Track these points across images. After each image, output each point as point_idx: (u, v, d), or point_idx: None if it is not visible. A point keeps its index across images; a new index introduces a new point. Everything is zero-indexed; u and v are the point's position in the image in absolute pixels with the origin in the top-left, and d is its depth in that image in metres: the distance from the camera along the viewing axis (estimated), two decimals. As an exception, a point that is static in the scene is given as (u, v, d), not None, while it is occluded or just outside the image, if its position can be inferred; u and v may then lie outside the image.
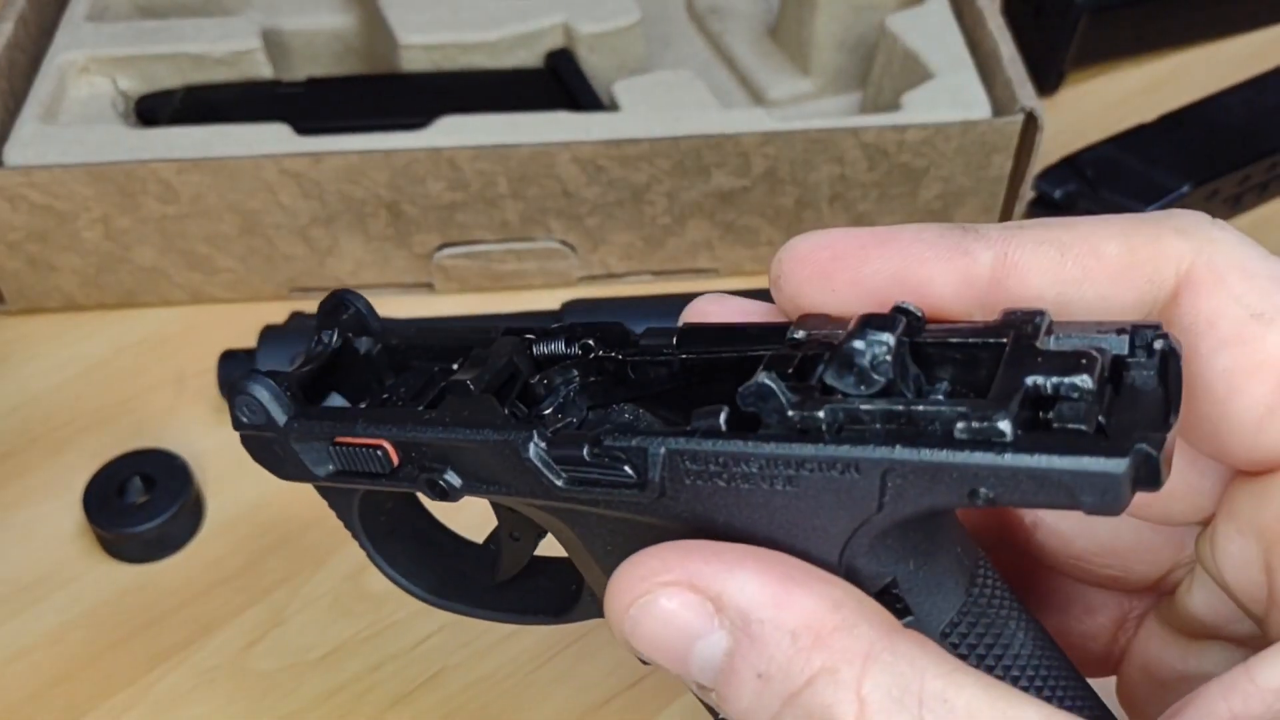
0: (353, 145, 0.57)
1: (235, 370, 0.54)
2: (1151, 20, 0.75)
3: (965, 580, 0.27)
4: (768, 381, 0.24)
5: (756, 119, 0.59)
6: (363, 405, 0.32)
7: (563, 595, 0.34)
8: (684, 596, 0.24)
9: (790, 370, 0.24)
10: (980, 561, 0.28)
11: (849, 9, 0.67)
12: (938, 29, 0.64)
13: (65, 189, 0.56)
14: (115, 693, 0.48)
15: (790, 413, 0.23)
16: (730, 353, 0.28)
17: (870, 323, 0.24)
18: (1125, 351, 0.23)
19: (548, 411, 0.29)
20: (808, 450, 0.23)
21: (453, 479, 0.28)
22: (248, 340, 0.55)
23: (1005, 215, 0.62)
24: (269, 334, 0.54)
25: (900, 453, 0.22)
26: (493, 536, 0.35)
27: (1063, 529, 0.31)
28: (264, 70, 0.64)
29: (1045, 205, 0.65)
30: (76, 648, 0.49)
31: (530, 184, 0.58)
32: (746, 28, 0.72)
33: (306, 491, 0.54)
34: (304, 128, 0.58)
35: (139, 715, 0.47)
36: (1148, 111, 0.68)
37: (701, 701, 0.27)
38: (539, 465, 0.26)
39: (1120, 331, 0.23)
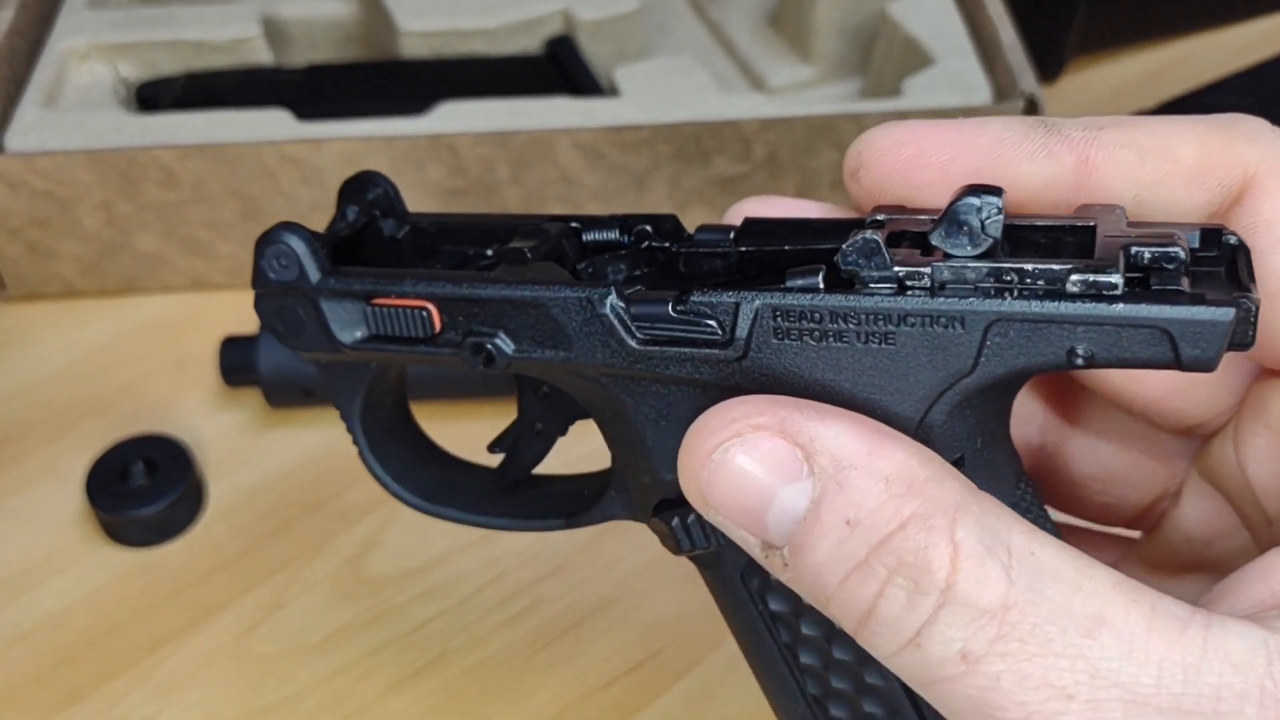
0: (353, 131, 0.57)
1: (237, 356, 0.54)
2: (1152, 7, 0.75)
3: (1014, 477, 0.27)
4: (874, 236, 0.24)
5: (757, 105, 0.59)
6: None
7: (573, 500, 0.32)
8: (774, 441, 0.24)
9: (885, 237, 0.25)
10: (1021, 467, 0.28)
11: (849, -4, 0.67)
12: (939, 15, 0.64)
13: (66, 175, 0.56)
14: (117, 676, 0.48)
15: (896, 268, 0.24)
16: (794, 246, 0.27)
17: (977, 188, 0.24)
18: (1197, 245, 0.24)
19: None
20: (913, 304, 0.24)
21: (504, 343, 0.27)
22: (249, 326, 0.55)
23: (1005, 202, 0.62)
24: (269, 319, 0.54)
25: (1010, 305, 0.23)
26: (502, 439, 0.33)
27: (1069, 448, 0.32)
28: (264, 57, 0.65)
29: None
30: (78, 631, 0.49)
31: (530, 170, 0.58)
32: (746, 14, 0.72)
33: (306, 477, 0.54)
34: (304, 113, 0.58)
35: (140, 698, 0.47)
36: (1148, 98, 0.68)
37: (745, 579, 0.28)
38: (615, 322, 0.26)
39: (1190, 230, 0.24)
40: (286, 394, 0.54)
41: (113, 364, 0.59)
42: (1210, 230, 0.24)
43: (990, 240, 0.23)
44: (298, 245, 0.28)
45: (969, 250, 0.24)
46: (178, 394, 0.57)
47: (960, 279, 0.24)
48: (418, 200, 0.58)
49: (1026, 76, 0.58)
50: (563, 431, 0.31)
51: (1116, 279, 0.22)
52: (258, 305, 0.29)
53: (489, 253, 0.30)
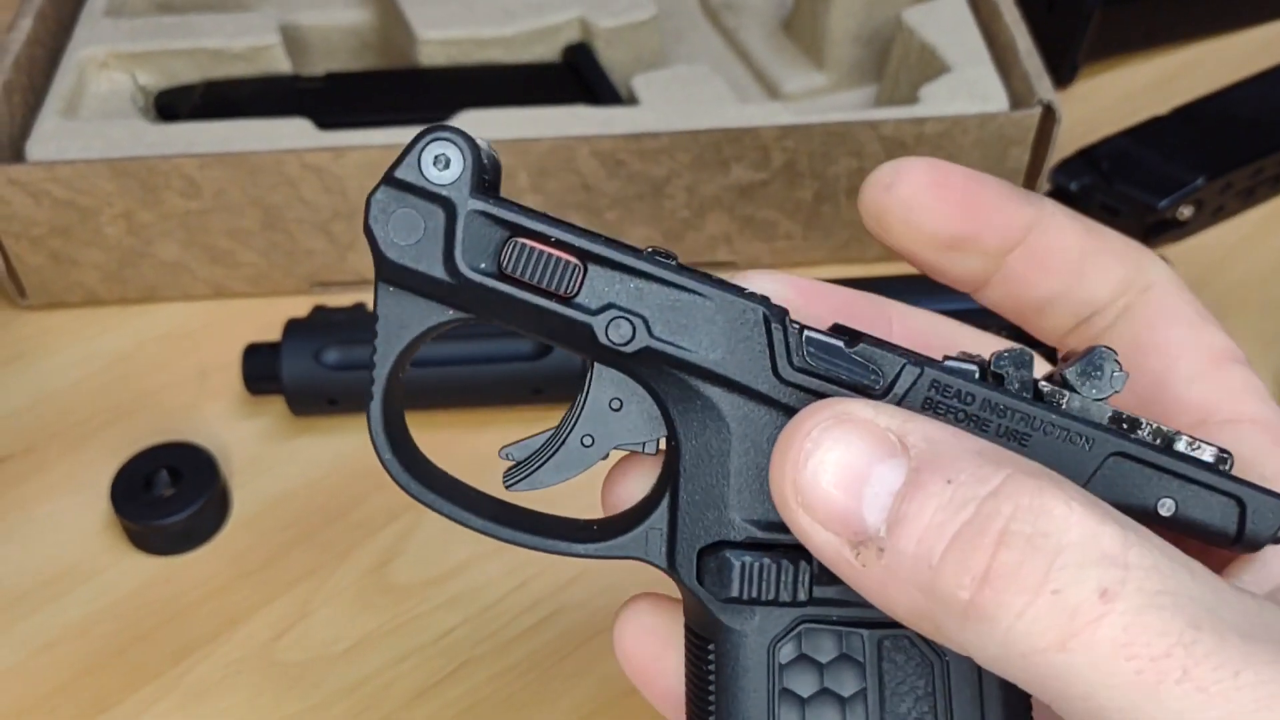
0: (373, 140, 0.57)
1: (260, 364, 0.54)
2: (1164, 13, 0.75)
3: None
4: (1029, 351, 0.27)
5: (775, 113, 0.59)
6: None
7: (613, 522, 0.31)
8: (871, 425, 0.25)
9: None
10: None
11: (864, 3, 0.67)
12: (954, 22, 0.64)
13: (87, 184, 0.57)
14: (143, 685, 0.48)
15: (1041, 384, 0.27)
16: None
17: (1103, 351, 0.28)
18: None
19: None
20: (1056, 415, 0.27)
21: (655, 323, 0.27)
22: (270, 334, 0.56)
23: (1021, 208, 0.62)
24: (293, 327, 0.54)
25: (1134, 445, 0.27)
26: (521, 445, 0.30)
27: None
28: (282, 65, 0.65)
29: (1061, 197, 0.65)
30: (104, 640, 0.50)
31: (550, 177, 0.58)
32: (760, 22, 0.72)
33: (330, 485, 0.55)
34: (324, 122, 0.58)
35: (167, 707, 0.48)
36: (1161, 104, 0.68)
37: (773, 648, 0.28)
38: (780, 340, 0.27)
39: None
40: (309, 402, 0.54)
41: (135, 372, 0.59)
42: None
43: (1113, 391, 0.27)
44: (468, 152, 0.26)
45: (1094, 394, 0.27)
46: (200, 402, 0.58)
47: (1086, 412, 0.27)
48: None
49: (1043, 83, 0.59)
50: (604, 455, 0.30)
51: (1211, 452, 0.27)
52: (377, 196, 0.27)
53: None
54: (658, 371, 0.28)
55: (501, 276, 0.27)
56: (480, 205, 0.27)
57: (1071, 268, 0.31)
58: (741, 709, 0.28)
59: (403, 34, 0.65)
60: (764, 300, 0.27)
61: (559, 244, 0.27)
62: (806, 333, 0.27)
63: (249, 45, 0.64)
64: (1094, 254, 0.31)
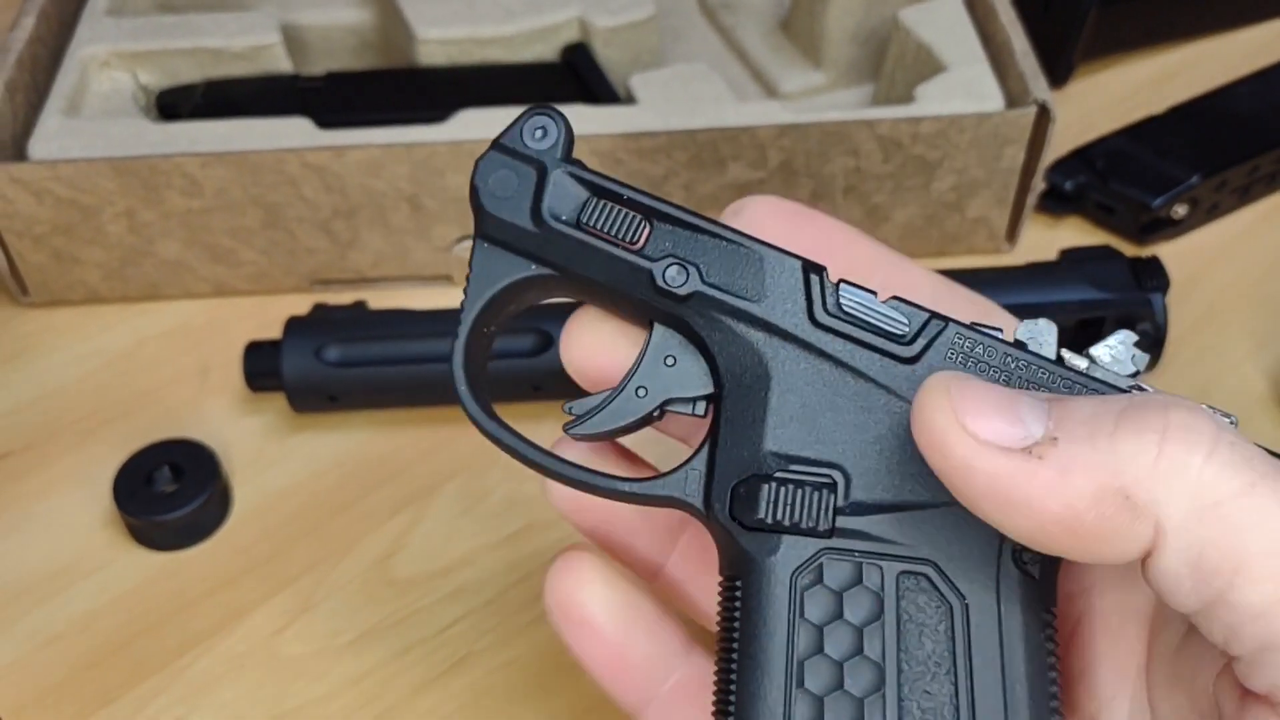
0: (374, 139, 0.57)
1: (261, 362, 0.55)
2: (1160, 12, 0.75)
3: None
4: (1050, 322, 0.30)
5: (772, 112, 0.60)
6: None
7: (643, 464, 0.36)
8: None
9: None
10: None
11: (860, 2, 0.67)
12: (950, 22, 0.64)
13: (89, 183, 0.57)
14: (145, 678, 0.49)
15: (1062, 351, 0.29)
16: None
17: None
18: None
19: None
20: (1072, 373, 0.29)
21: (708, 272, 0.31)
22: (271, 332, 0.56)
23: (1018, 207, 0.62)
24: (294, 325, 0.54)
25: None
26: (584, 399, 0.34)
27: None
28: (283, 65, 0.65)
29: (1056, 197, 0.66)
30: (106, 634, 0.50)
31: (549, 176, 0.59)
32: (758, 21, 0.73)
33: (332, 480, 0.55)
34: (325, 121, 0.58)
35: (169, 700, 0.48)
36: (1157, 103, 0.69)
37: (795, 576, 0.29)
38: (819, 291, 0.30)
39: None
40: (310, 399, 0.55)
41: (136, 370, 0.59)
42: None
43: (1134, 370, 0.29)
44: (563, 127, 0.32)
45: (1116, 368, 0.29)
46: (201, 399, 0.58)
47: (1105, 380, 0.29)
48: (437, 208, 0.59)
49: (1039, 82, 0.59)
50: (657, 407, 0.33)
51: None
52: (485, 160, 0.32)
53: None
54: (708, 319, 0.31)
55: (579, 227, 0.32)
56: (568, 168, 0.32)
57: (923, 301, 0.32)
58: (764, 637, 0.30)
59: (402, 33, 0.66)
60: (803, 259, 0.31)
61: (630, 202, 0.32)
62: (842, 284, 0.31)
63: (250, 45, 0.65)
64: (945, 295, 0.35)
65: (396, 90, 0.64)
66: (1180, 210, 0.64)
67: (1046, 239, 0.64)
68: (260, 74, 0.65)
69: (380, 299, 0.59)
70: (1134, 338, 0.29)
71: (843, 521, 0.29)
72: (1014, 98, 0.60)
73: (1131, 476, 0.25)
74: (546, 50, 0.66)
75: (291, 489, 0.54)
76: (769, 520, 0.30)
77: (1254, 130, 0.67)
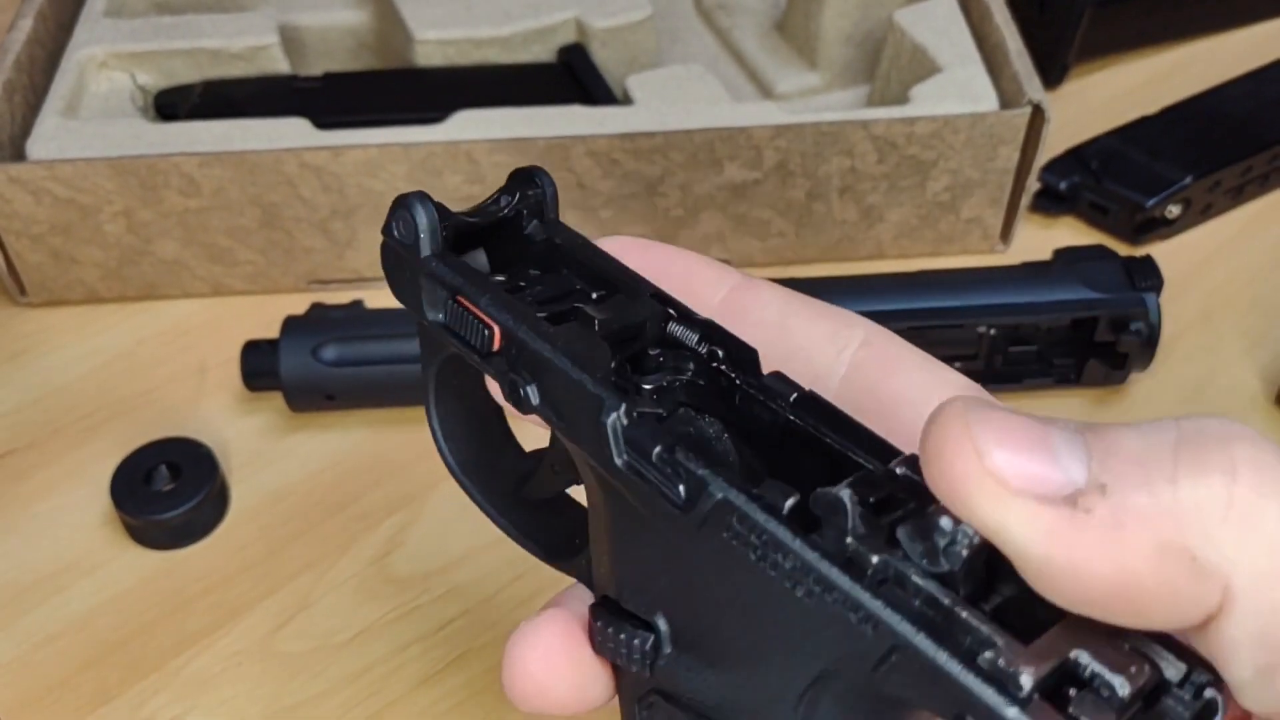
0: (372, 139, 0.58)
1: (258, 361, 0.55)
2: (1154, 14, 0.76)
3: None
4: (844, 499, 0.23)
5: (768, 112, 0.60)
6: (500, 279, 0.31)
7: (568, 542, 0.33)
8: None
9: (873, 499, 0.23)
10: None
11: (856, 4, 0.68)
12: (945, 23, 0.65)
13: (88, 183, 0.57)
14: (144, 677, 0.49)
15: (849, 540, 0.23)
16: (834, 442, 0.27)
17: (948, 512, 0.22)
18: (1176, 679, 0.22)
19: (647, 386, 0.28)
20: (844, 582, 0.22)
21: (533, 394, 0.28)
22: (268, 331, 0.56)
23: (1012, 207, 0.63)
24: (291, 324, 0.55)
25: (921, 640, 0.21)
26: (536, 454, 0.34)
27: None
28: (281, 65, 0.65)
29: (1051, 197, 0.66)
30: (105, 633, 0.50)
31: (546, 177, 0.59)
32: (754, 22, 0.73)
33: (329, 479, 0.55)
34: (323, 122, 0.59)
35: (168, 698, 0.48)
36: (1151, 104, 0.69)
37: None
38: (610, 435, 0.26)
39: (1180, 657, 0.22)
40: (307, 398, 0.55)
41: (135, 369, 0.60)
42: (1200, 668, 0.22)
43: (944, 569, 0.22)
44: (421, 220, 0.29)
45: (923, 564, 0.22)
46: (199, 399, 0.58)
47: (901, 585, 0.22)
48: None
49: (1033, 83, 0.59)
50: (574, 484, 0.32)
51: (1027, 682, 0.20)
52: (382, 246, 0.31)
53: (593, 296, 0.30)
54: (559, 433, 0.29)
55: (448, 328, 0.30)
56: (431, 266, 0.29)
57: (773, 321, 0.30)
58: None
59: (400, 34, 0.66)
60: (617, 389, 0.27)
61: (479, 307, 0.29)
62: (629, 430, 0.26)
63: (247, 45, 0.65)
64: (795, 312, 0.31)
65: (394, 91, 0.64)
66: (1174, 210, 0.65)
67: (1041, 239, 0.65)
68: (258, 75, 0.65)
69: (378, 299, 0.59)
70: (971, 535, 0.22)
71: (659, 667, 0.28)
72: (1008, 98, 0.60)
73: (1199, 531, 0.20)
74: (543, 51, 0.67)
75: (289, 488, 0.55)
76: (605, 657, 0.29)
77: (1247, 131, 0.67)
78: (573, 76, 0.64)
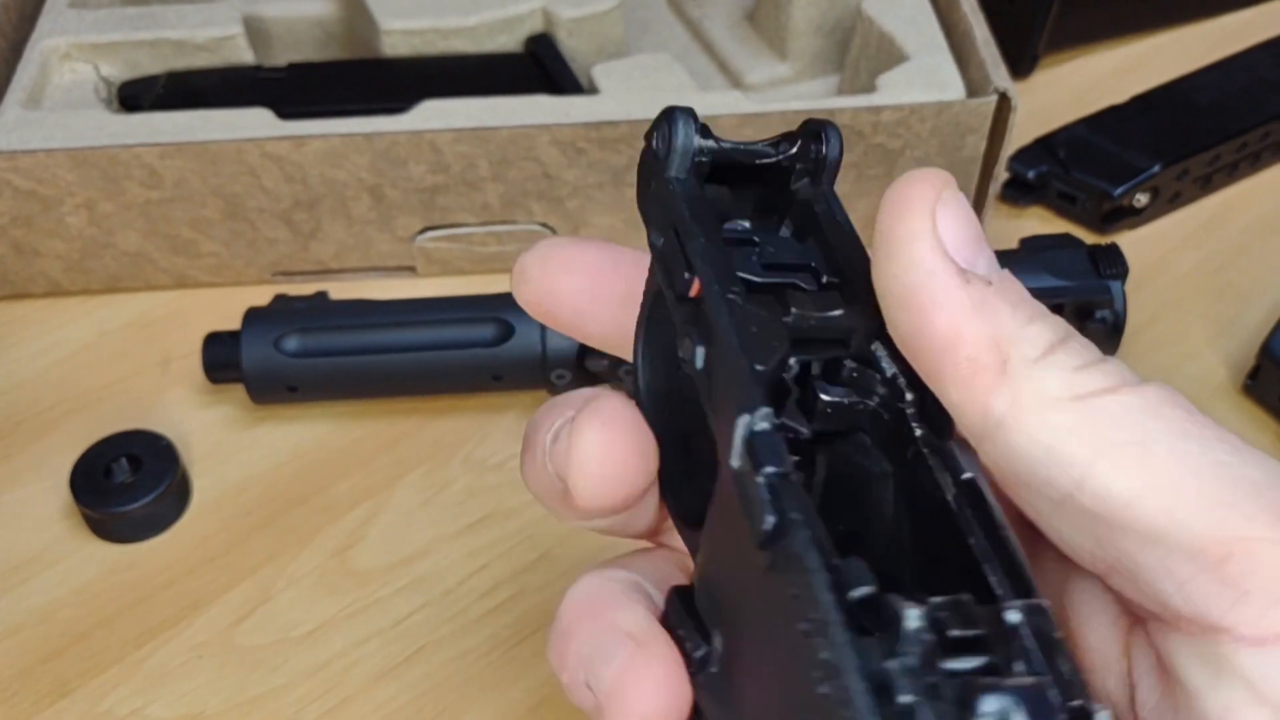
0: (334, 129, 0.57)
1: (220, 352, 0.54)
2: (1124, 4, 0.76)
3: None
4: (909, 618, 0.20)
5: (734, 101, 0.60)
6: (744, 224, 0.28)
7: (701, 511, 0.28)
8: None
9: (954, 634, 0.21)
10: None
11: (825, -7, 0.68)
12: (913, 12, 0.64)
13: (49, 174, 0.57)
14: (104, 669, 0.48)
15: (890, 664, 0.20)
16: (975, 546, 0.24)
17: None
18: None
19: (826, 398, 0.26)
20: (861, 703, 0.20)
21: (699, 357, 0.25)
22: (232, 323, 0.56)
23: (980, 195, 0.63)
24: (253, 315, 0.54)
25: None
26: None
27: None
28: (246, 56, 0.65)
29: (1019, 186, 0.66)
30: (65, 625, 0.50)
31: (510, 166, 0.59)
32: (724, 13, 0.73)
33: (291, 472, 0.55)
34: (286, 112, 0.58)
35: (128, 691, 0.48)
36: (1120, 93, 0.69)
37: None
38: (736, 433, 0.23)
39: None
40: (270, 390, 0.55)
41: (97, 362, 0.59)
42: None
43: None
44: (678, 137, 0.27)
45: None
46: (162, 391, 0.58)
47: None
48: (399, 198, 0.59)
49: (999, 71, 0.59)
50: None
51: None
52: (641, 153, 0.29)
53: (822, 280, 0.27)
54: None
55: (657, 252, 0.27)
56: (672, 191, 0.27)
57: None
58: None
59: (366, 24, 0.65)
60: (766, 393, 0.24)
61: (685, 251, 0.26)
62: (757, 440, 0.23)
63: (212, 36, 0.64)
64: None
65: (359, 81, 0.64)
66: (1142, 199, 0.64)
67: (1009, 228, 0.65)
68: (222, 65, 0.65)
69: (343, 290, 0.59)
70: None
71: None
72: (975, 87, 0.60)
73: (1021, 354, 0.24)
74: (511, 41, 0.66)
75: (250, 480, 0.54)
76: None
77: (1215, 120, 0.67)
78: (539, 66, 0.64)
